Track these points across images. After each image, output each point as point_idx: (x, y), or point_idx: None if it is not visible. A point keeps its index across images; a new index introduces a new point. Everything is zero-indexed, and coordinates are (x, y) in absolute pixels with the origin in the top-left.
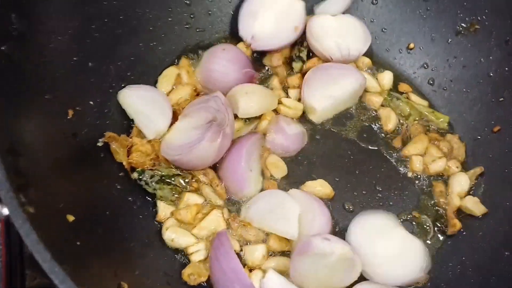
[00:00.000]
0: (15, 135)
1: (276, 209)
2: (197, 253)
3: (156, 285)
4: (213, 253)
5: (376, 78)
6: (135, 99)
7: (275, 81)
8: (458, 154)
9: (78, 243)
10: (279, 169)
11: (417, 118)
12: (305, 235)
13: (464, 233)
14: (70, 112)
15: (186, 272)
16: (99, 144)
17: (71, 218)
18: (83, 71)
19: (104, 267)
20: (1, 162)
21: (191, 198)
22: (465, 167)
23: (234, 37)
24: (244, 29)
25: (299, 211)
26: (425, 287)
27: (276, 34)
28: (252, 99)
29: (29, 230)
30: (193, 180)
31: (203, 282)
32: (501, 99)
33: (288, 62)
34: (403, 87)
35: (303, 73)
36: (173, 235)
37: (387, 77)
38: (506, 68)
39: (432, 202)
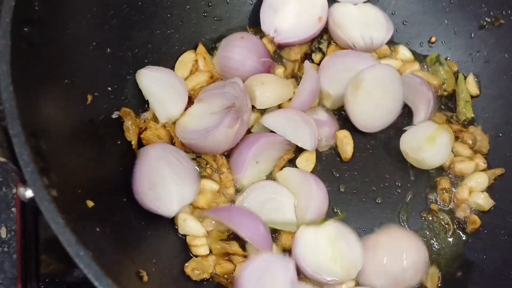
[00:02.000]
0: (37, 119)
1: (271, 202)
2: (201, 247)
3: (173, 273)
4: None
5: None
6: (152, 81)
7: (277, 71)
8: (482, 146)
9: (97, 229)
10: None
11: (446, 90)
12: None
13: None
14: (89, 98)
15: (190, 266)
16: (114, 116)
17: (90, 203)
18: (101, 57)
19: (122, 254)
20: (26, 144)
21: (206, 184)
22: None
23: (253, 27)
24: (266, 23)
25: (294, 201)
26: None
27: (299, 26)
28: (269, 90)
29: (55, 213)
30: (207, 166)
31: (206, 279)
32: None
33: (306, 58)
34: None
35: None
36: (185, 216)
37: (401, 51)
38: None
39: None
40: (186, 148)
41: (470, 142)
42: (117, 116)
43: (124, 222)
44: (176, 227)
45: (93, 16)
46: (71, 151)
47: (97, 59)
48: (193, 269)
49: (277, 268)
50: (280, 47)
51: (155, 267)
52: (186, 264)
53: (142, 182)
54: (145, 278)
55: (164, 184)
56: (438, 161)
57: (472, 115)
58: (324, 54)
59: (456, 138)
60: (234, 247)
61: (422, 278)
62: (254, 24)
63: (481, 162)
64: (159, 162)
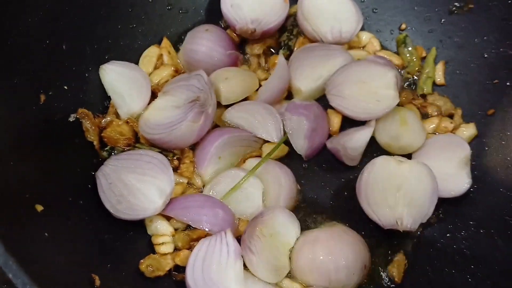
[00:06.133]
0: None
1: (240, 190)
2: (166, 245)
3: (129, 280)
4: None
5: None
6: (115, 76)
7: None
8: (448, 109)
9: (46, 234)
10: None
11: (409, 73)
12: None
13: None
14: (42, 97)
15: (144, 263)
16: (71, 119)
17: (39, 208)
18: (56, 53)
19: (73, 259)
20: None
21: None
22: None
23: (218, 19)
24: (238, 19)
25: (262, 188)
26: None
27: (271, 10)
28: (233, 85)
29: None
30: (174, 158)
31: (161, 276)
32: (496, 81)
33: (268, 52)
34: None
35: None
36: (152, 217)
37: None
38: (501, 49)
39: None
40: (151, 144)
41: (436, 112)
42: (74, 119)
43: (78, 225)
44: (136, 228)
45: (47, 10)
46: (20, 153)
47: (51, 56)
48: (147, 266)
49: (220, 244)
50: (263, 36)
51: (110, 272)
52: (142, 261)
53: (109, 200)
54: (97, 282)
55: (132, 190)
56: (420, 139)
57: (431, 91)
58: (291, 51)
59: (423, 115)
60: (198, 232)
61: (359, 280)
62: (218, 14)
63: (447, 123)
64: (118, 174)
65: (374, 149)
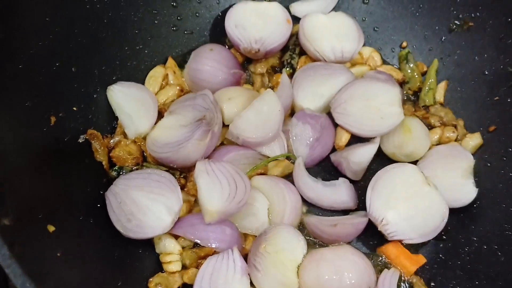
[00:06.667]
0: None
1: (246, 206)
2: (174, 263)
3: None
4: None
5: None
6: (122, 96)
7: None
8: (450, 120)
9: (58, 254)
10: None
11: (411, 89)
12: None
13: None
14: (53, 119)
15: (153, 281)
16: (81, 140)
17: (51, 228)
18: (66, 76)
19: (85, 277)
20: None
21: (182, 195)
22: None
23: (223, 39)
24: (242, 40)
25: (267, 205)
26: None
27: (274, 32)
28: (236, 105)
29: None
30: (181, 176)
31: None
32: (496, 98)
33: (272, 71)
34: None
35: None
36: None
37: (366, 52)
38: (501, 66)
39: None
40: (158, 163)
41: (438, 123)
42: (83, 140)
43: (89, 244)
44: (145, 244)
45: (56, 35)
46: (32, 174)
47: (61, 78)
48: (156, 284)
49: (227, 260)
50: (266, 55)
51: None
52: (150, 280)
53: (119, 219)
54: None
55: (141, 208)
56: (424, 146)
57: (432, 102)
58: (294, 70)
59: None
60: (205, 249)
61: None
62: (222, 34)
63: (450, 132)
64: (128, 193)
65: (377, 165)
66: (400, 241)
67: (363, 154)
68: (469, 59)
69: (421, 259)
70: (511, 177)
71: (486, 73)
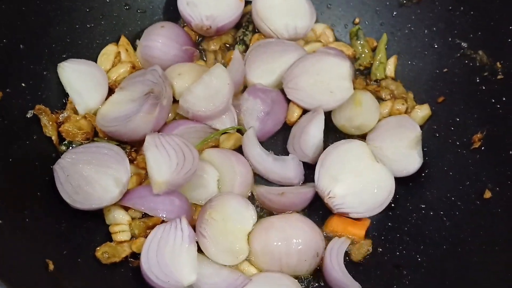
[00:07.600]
0: None
1: (195, 178)
2: (122, 233)
3: (84, 266)
4: None
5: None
6: (72, 73)
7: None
8: (400, 93)
9: (0, 221)
10: None
11: (361, 65)
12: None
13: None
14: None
15: (100, 250)
16: (29, 115)
17: None
18: (13, 53)
19: (29, 246)
20: None
21: (132, 168)
22: None
23: (176, 18)
24: (193, 16)
25: (217, 176)
26: None
27: (226, 9)
28: (186, 80)
29: None
30: (132, 150)
31: (117, 263)
32: (445, 69)
33: (225, 49)
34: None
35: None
36: (109, 207)
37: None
38: (449, 38)
39: None
40: (109, 138)
41: (389, 96)
42: (31, 115)
43: (35, 215)
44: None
45: (3, 12)
46: None
47: (9, 56)
48: (103, 253)
49: (175, 229)
50: (218, 32)
51: (65, 258)
52: (98, 248)
53: (66, 191)
54: (51, 267)
55: (89, 181)
56: (373, 119)
57: (383, 76)
58: (247, 46)
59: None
60: (154, 219)
61: (311, 267)
62: (176, 12)
63: (400, 105)
64: (75, 166)
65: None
66: (345, 214)
67: (313, 136)
68: (419, 33)
69: (366, 221)
70: (458, 146)
71: (436, 46)
